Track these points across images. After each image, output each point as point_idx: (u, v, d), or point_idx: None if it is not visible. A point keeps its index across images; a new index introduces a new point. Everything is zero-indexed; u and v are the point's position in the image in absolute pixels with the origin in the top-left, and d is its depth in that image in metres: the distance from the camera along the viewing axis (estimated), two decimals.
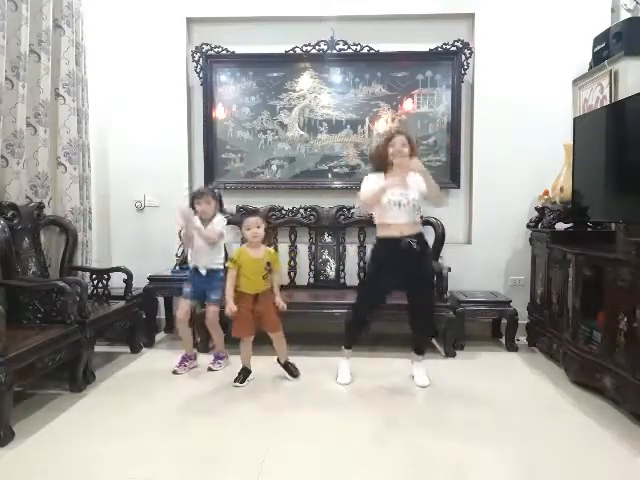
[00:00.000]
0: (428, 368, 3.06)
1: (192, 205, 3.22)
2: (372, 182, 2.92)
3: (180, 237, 3.49)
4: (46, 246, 3.44)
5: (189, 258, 3.30)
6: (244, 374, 3.02)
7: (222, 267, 3.23)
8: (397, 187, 2.84)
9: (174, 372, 3.17)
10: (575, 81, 3.89)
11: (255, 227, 2.95)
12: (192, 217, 3.12)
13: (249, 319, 2.95)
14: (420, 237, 2.92)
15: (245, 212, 3.90)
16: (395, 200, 2.86)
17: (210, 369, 3.21)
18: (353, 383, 2.99)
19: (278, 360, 3.11)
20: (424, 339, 3.14)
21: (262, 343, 3.08)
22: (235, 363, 3.18)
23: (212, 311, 3.22)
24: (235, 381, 2.98)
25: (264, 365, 3.13)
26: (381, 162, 2.94)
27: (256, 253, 2.96)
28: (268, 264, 2.94)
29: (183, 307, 3.24)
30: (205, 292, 3.23)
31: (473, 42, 3.99)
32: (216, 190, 3.44)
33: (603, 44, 3.49)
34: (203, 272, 3.21)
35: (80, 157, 3.70)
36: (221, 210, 3.33)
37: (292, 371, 3.06)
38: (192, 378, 3.13)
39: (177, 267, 3.85)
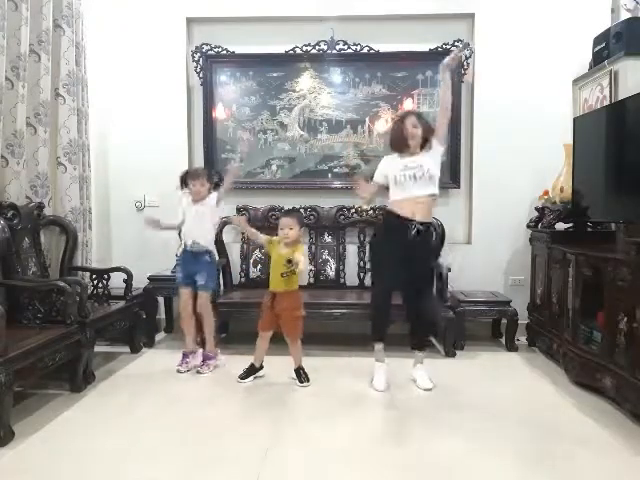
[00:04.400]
0: (428, 368, 3.05)
1: (185, 183, 3.21)
2: (384, 164, 2.95)
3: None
4: (46, 246, 3.44)
5: (182, 236, 3.28)
6: (249, 371, 3.03)
7: (211, 248, 3.23)
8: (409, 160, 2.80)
9: (177, 371, 3.17)
10: (575, 81, 3.88)
11: (287, 228, 2.86)
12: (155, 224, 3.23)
13: (268, 315, 2.94)
14: (430, 226, 2.83)
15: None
16: (409, 174, 2.74)
17: (199, 372, 3.13)
18: (352, 384, 2.98)
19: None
20: (425, 336, 3.08)
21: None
22: (232, 363, 3.19)
23: (204, 297, 3.20)
24: (239, 377, 3.00)
25: (265, 365, 3.13)
26: (397, 144, 2.88)
27: (283, 249, 2.90)
28: (289, 262, 2.81)
29: (183, 296, 3.23)
30: (193, 276, 3.18)
31: (473, 42, 3.99)
32: (214, 173, 3.45)
33: (603, 44, 3.49)
34: (190, 244, 3.16)
35: (80, 157, 3.71)
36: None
37: (301, 377, 2.99)
38: (192, 377, 3.12)
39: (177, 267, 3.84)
